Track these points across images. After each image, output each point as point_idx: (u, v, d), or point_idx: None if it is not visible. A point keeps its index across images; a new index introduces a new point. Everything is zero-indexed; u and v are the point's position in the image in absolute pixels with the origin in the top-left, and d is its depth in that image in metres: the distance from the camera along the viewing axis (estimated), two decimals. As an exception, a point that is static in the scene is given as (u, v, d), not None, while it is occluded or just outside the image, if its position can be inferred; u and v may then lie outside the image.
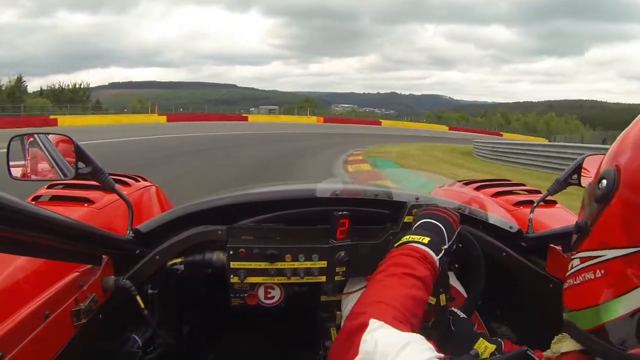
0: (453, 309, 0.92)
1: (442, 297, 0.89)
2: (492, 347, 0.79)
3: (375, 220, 1.04)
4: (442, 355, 0.50)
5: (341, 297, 1.08)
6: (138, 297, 0.89)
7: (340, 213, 0.99)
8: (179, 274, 1.00)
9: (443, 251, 0.77)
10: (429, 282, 0.71)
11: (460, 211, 1.09)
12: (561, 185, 1.08)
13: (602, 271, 0.45)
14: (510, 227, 1.10)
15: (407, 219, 0.98)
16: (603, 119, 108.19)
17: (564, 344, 0.51)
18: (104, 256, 0.86)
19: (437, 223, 0.83)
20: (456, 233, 0.84)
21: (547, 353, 0.52)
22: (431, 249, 0.76)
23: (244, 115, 41.85)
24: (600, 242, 0.46)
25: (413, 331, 0.56)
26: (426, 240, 0.77)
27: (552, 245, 1.05)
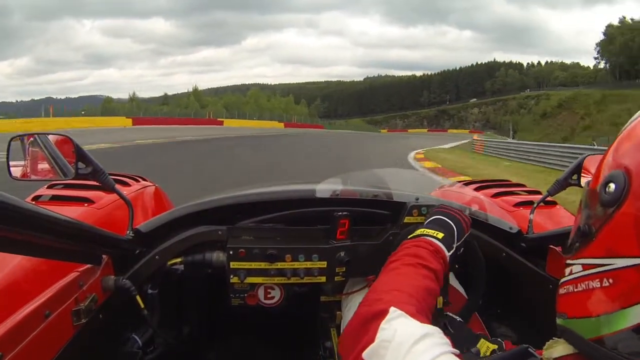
0: (448, 313, 0.92)
1: (439, 300, 0.88)
2: (493, 347, 0.80)
3: (375, 221, 1.04)
4: (457, 350, 0.49)
5: (341, 297, 1.08)
6: (138, 297, 0.89)
7: (340, 213, 0.99)
8: (179, 274, 1.00)
9: (454, 248, 0.78)
10: (441, 276, 0.71)
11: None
12: (561, 185, 1.08)
13: (611, 280, 0.43)
14: (510, 228, 1.10)
15: (407, 219, 0.98)
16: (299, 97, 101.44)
17: (556, 349, 0.50)
18: (103, 256, 0.86)
19: (450, 222, 0.83)
20: (465, 236, 0.84)
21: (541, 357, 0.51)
22: (444, 245, 0.76)
23: None
24: (608, 250, 0.44)
25: (428, 322, 0.55)
26: (440, 235, 0.77)
27: (552, 246, 1.05)
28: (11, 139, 0.94)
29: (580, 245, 0.49)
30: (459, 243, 0.81)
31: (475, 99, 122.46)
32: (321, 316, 1.13)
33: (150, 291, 1.00)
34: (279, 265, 0.96)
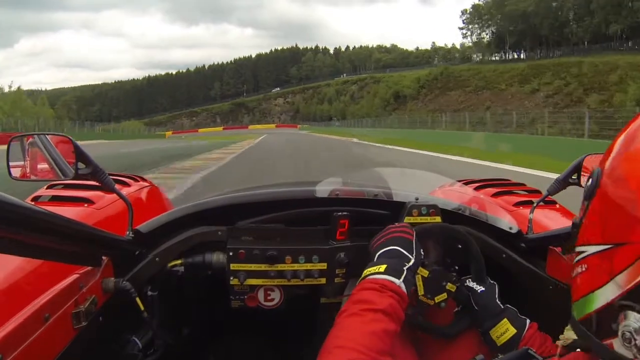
0: (467, 283, 0.92)
1: (449, 285, 0.89)
2: (512, 332, 0.82)
3: (375, 221, 1.04)
4: None
5: (341, 299, 1.08)
6: (138, 299, 0.88)
7: (340, 214, 0.98)
8: (179, 275, 1.00)
9: (405, 272, 0.76)
10: (394, 310, 0.70)
11: (460, 212, 1.09)
12: (561, 185, 1.07)
13: (585, 266, 0.49)
14: (510, 228, 1.09)
15: (407, 219, 0.98)
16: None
17: (571, 331, 0.55)
18: (103, 257, 0.86)
19: (391, 247, 0.81)
20: (414, 241, 0.84)
21: (559, 342, 0.56)
22: (390, 275, 0.74)
23: None
24: (584, 238, 0.50)
25: None
26: (383, 268, 0.75)
27: (551, 247, 1.05)
28: (11, 139, 0.94)
29: (575, 236, 0.55)
30: (415, 254, 0.80)
31: (278, 89, 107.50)
32: (321, 318, 1.13)
33: (150, 293, 0.99)
34: (279, 267, 0.96)
